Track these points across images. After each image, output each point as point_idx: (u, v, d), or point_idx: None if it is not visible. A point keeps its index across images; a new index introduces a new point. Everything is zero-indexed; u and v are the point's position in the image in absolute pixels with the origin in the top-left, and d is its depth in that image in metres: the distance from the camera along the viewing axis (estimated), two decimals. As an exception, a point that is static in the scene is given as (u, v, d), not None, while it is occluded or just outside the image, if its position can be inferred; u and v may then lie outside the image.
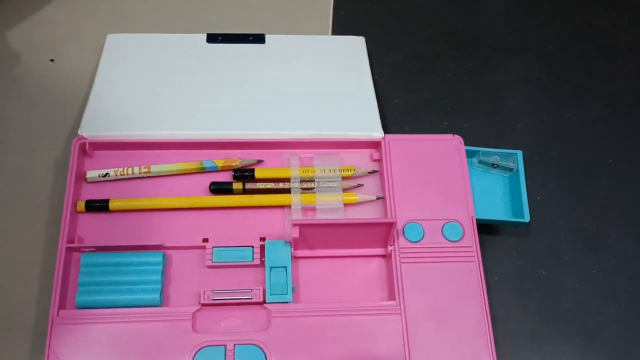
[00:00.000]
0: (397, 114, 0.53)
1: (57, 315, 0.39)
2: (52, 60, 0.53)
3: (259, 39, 0.53)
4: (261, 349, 0.39)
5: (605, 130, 0.54)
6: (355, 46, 0.53)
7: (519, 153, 0.47)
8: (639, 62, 0.58)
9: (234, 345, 0.39)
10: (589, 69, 0.57)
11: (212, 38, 0.52)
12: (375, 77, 0.53)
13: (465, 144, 0.47)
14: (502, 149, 0.48)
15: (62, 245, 0.41)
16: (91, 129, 0.45)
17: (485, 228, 0.47)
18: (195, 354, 0.39)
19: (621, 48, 0.59)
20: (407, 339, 0.40)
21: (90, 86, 0.49)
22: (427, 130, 0.52)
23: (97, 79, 0.49)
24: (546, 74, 0.57)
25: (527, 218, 0.45)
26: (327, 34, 0.57)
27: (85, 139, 0.45)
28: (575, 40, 0.59)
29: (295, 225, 0.41)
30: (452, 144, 0.47)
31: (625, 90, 0.56)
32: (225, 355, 0.39)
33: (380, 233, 0.42)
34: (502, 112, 0.54)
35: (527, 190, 0.46)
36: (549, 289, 0.47)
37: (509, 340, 0.44)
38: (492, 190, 0.47)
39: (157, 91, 0.48)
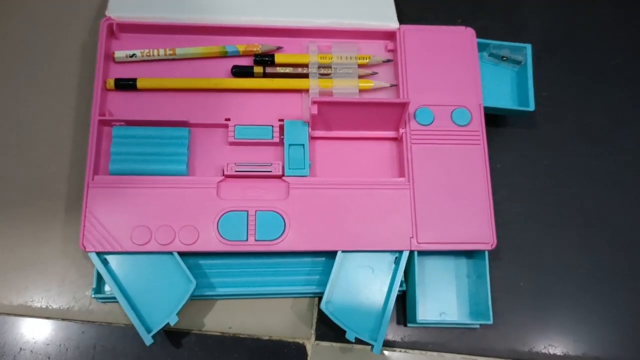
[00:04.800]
0: (413, 9, 0.54)
1: (92, 180, 0.42)
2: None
3: None
4: (281, 215, 0.43)
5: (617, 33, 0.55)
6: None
7: (528, 46, 0.49)
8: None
9: (256, 211, 0.43)
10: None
11: None
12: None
13: (477, 38, 0.48)
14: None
15: (95, 117, 0.44)
16: (119, 9, 0.47)
17: (492, 120, 0.49)
18: (220, 217, 0.42)
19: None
20: (415, 211, 0.43)
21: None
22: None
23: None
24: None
25: (532, 107, 0.47)
26: None
27: (113, 20, 0.47)
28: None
29: (314, 102, 0.43)
30: (464, 35, 0.48)
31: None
32: (247, 219, 0.43)
33: (394, 114, 0.45)
34: (516, 12, 0.55)
35: (535, 85, 0.48)
36: (551, 176, 0.50)
37: (512, 219, 0.48)
38: (500, 82, 0.50)
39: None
